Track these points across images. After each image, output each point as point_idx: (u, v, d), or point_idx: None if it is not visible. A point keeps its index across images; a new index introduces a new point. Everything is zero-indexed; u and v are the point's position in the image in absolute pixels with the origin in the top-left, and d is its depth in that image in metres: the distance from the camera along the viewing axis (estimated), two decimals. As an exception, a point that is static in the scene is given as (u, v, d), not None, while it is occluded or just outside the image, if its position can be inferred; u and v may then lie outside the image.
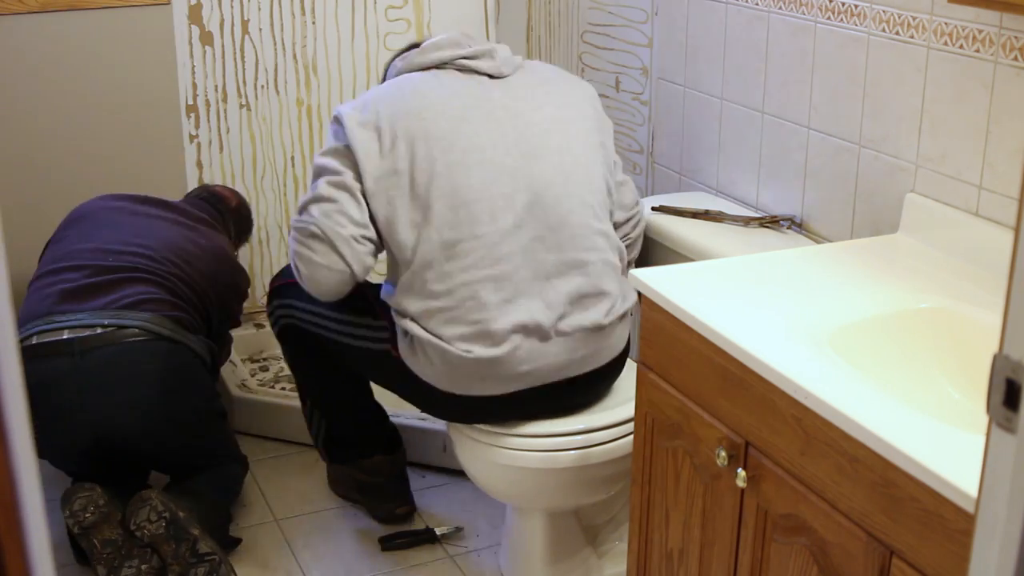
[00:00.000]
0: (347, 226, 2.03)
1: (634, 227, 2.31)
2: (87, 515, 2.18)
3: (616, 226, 2.22)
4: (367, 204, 2.04)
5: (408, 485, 2.57)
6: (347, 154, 2.04)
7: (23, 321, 2.33)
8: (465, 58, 2.14)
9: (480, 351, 2.01)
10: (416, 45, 2.25)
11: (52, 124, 2.97)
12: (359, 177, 2.03)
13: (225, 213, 2.85)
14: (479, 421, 2.12)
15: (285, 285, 2.35)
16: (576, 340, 2.06)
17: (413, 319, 2.05)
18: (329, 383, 2.42)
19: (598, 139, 2.18)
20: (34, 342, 2.26)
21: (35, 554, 0.67)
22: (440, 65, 2.15)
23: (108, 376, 2.25)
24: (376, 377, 2.31)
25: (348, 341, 2.24)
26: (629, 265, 2.29)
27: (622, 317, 2.13)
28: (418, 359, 2.07)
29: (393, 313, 2.11)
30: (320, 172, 2.07)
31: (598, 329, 2.07)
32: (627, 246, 2.28)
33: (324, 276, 2.05)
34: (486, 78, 2.14)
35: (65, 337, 2.25)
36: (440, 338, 2.02)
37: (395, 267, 2.09)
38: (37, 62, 2.91)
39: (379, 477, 2.52)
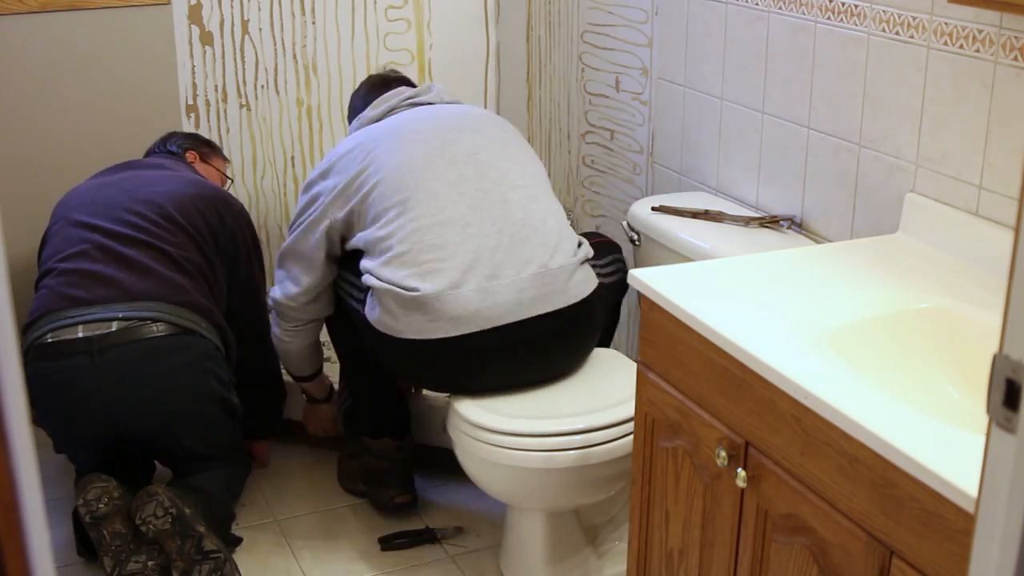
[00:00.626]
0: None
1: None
2: (100, 506, 2.20)
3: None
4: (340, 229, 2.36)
5: (412, 475, 2.58)
6: (319, 223, 2.36)
7: (35, 317, 2.33)
8: (409, 99, 2.47)
9: (426, 287, 2.14)
10: (374, 81, 2.64)
11: (52, 124, 2.97)
12: (332, 223, 2.35)
13: (182, 144, 2.87)
14: (452, 381, 2.21)
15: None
16: (524, 281, 2.17)
17: (372, 273, 2.23)
18: (356, 352, 2.50)
19: (522, 141, 2.46)
20: (49, 340, 2.27)
21: (35, 554, 0.67)
22: (390, 111, 2.47)
23: (126, 373, 2.27)
24: (365, 339, 2.37)
25: (346, 299, 2.40)
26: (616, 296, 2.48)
27: (576, 267, 2.23)
28: (375, 311, 2.21)
29: (363, 271, 2.27)
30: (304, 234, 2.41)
31: (545, 271, 2.18)
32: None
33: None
34: (431, 105, 2.47)
35: (81, 335, 2.26)
36: (390, 282, 2.17)
37: (367, 247, 2.29)
38: (37, 62, 2.91)
39: (384, 461, 2.54)
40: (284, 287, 2.44)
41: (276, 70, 3.14)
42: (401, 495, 2.55)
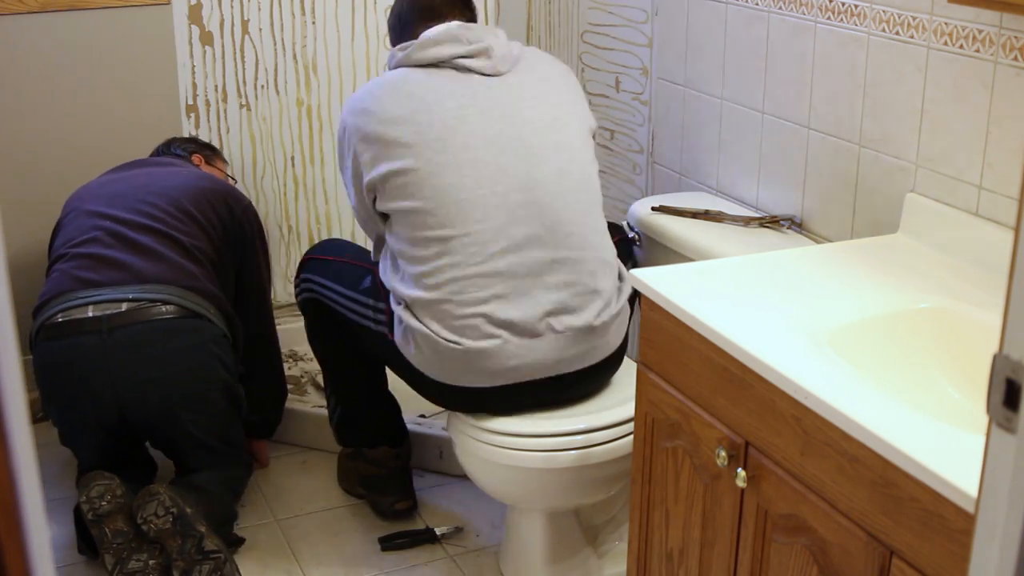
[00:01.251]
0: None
1: None
2: (103, 503, 2.20)
3: None
4: (377, 200, 2.15)
5: (411, 481, 2.58)
6: (354, 167, 2.17)
7: (46, 298, 2.35)
8: (462, 57, 2.14)
9: (469, 344, 2.05)
10: (415, 21, 2.24)
11: (52, 124, 2.97)
12: (366, 186, 2.15)
13: (186, 148, 2.89)
14: (473, 410, 2.14)
15: (312, 260, 2.48)
16: (567, 339, 2.08)
17: (407, 306, 2.11)
18: (344, 362, 2.48)
19: (588, 127, 2.23)
20: (59, 320, 2.29)
21: (35, 554, 0.67)
22: (437, 63, 2.15)
23: (135, 354, 2.28)
24: (378, 356, 2.35)
25: (354, 318, 2.32)
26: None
27: (616, 315, 2.14)
28: (410, 347, 2.12)
29: (391, 298, 2.18)
30: (356, 193, 2.21)
31: (589, 329, 2.09)
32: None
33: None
34: (483, 77, 2.15)
35: (90, 315, 2.28)
36: (430, 329, 2.07)
37: (394, 253, 2.16)
38: (37, 62, 2.91)
39: (382, 469, 2.54)
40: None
41: (276, 70, 3.15)
42: (401, 502, 2.55)
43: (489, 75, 2.15)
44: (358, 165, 2.14)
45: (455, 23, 2.18)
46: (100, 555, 2.23)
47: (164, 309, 2.30)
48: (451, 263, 2.05)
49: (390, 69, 2.22)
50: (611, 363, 2.19)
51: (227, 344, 2.41)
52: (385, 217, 2.17)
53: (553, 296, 2.07)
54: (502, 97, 2.14)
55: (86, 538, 2.34)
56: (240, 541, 2.46)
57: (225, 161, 3.01)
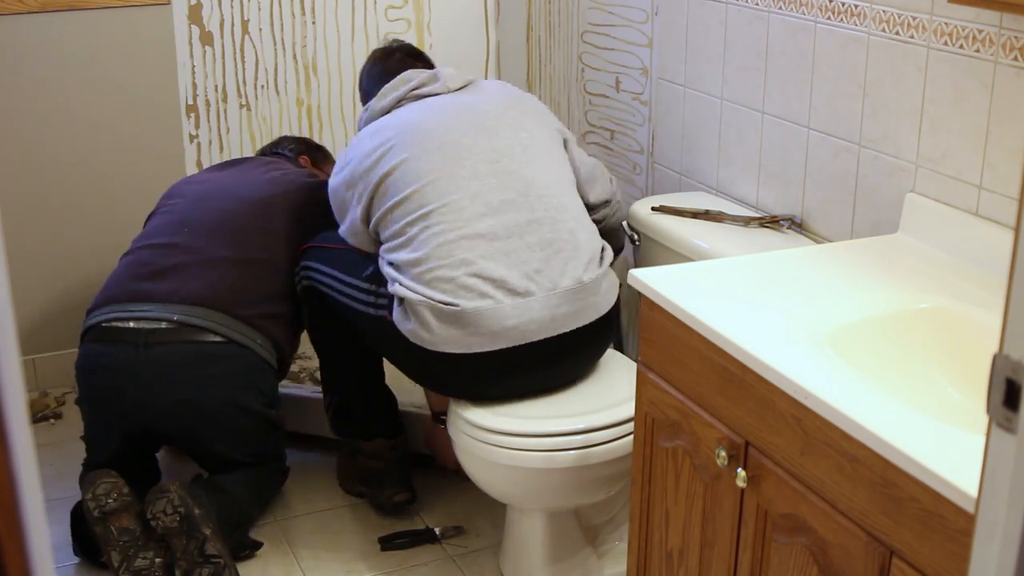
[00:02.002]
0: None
1: (612, 214, 2.47)
2: (110, 501, 2.21)
3: (591, 209, 2.37)
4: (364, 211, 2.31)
5: (408, 473, 2.58)
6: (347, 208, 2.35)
7: (97, 303, 2.39)
8: (415, 89, 2.38)
9: (465, 303, 2.11)
10: (380, 56, 2.55)
11: (52, 124, 2.97)
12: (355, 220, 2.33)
13: (294, 149, 2.88)
14: (473, 390, 2.17)
15: (311, 248, 2.51)
16: (558, 296, 2.14)
17: (402, 285, 2.17)
18: (343, 353, 2.50)
19: (550, 125, 2.40)
20: (103, 325, 2.34)
21: (35, 554, 0.67)
22: (398, 103, 2.38)
23: (168, 372, 2.31)
24: (377, 344, 2.37)
25: (352, 304, 2.35)
26: (616, 253, 2.42)
27: (604, 275, 2.22)
28: (409, 322, 2.16)
29: (388, 279, 2.22)
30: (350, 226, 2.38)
31: (580, 287, 2.16)
32: (604, 232, 2.38)
33: None
34: (438, 96, 2.38)
35: (131, 326, 2.31)
36: (426, 296, 2.13)
37: (382, 242, 2.27)
38: (37, 62, 2.91)
39: (379, 461, 2.55)
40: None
41: (276, 70, 3.15)
42: (399, 494, 2.55)
43: (443, 93, 2.38)
44: (349, 210, 2.32)
45: (403, 73, 2.43)
46: (105, 553, 2.22)
47: (206, 336, 2.33)
48: (434, 232, 2.16)
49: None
50: (604, 327, 2.24)
51: (269, 372, 2.43)
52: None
53: (537, 254, 2.16)
54: (459, 100, 2.37)
55: (82, 541, 2.33)
56: (257, 545, 2.45)
57: (334, 162, 2.98)
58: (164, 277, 2.38)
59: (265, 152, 2.89)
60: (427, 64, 2.54)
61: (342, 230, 2.37)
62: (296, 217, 2.55)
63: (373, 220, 2.28)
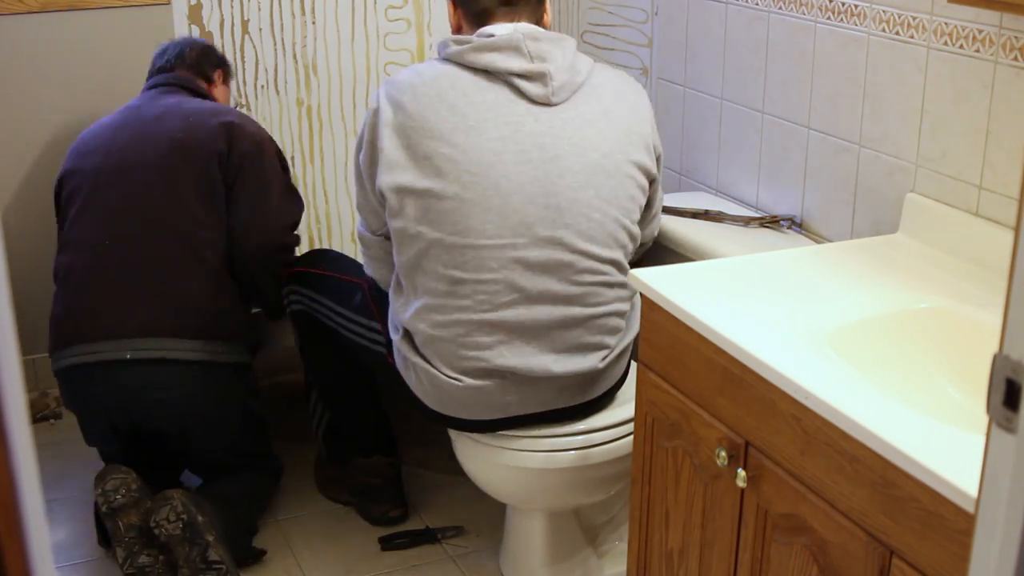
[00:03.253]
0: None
1: (644, 248, 2.30)
2: (118, 496, 2.21)
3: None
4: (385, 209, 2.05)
5: (403, 488, 2.57)
6: (372, 152, 2.02)
7: (56, 345, 2.34)
8: (517, 75, 1.98)
9: (469, 381, 2.02)
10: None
11: (52, 124, 2.97)
12: (376, 176, 2.01)
13: (193, 68, 2.65)
14: (469, 431, 2.14)
15: (301, 272, 2.44)
16: (569, 379, 2.05)
17: (408, 337, 2.07)
18: (337, 373, 2.47)
19: (637, 186, 2.07)
20: (76, 363, 2.31)
21: (35, 554, 0.67)
22: (489, 73, 2.00)
23: (147, 378, 2.29)
24: (378, 372, 2.34)
25: (350, 336, 2.30)
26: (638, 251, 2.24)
27: (619, 355, 2.12)
28: (410, 374, 2.10)
29: (389, 325, 2.14)
30: (357, 178, 2.11)
31: (592, 372, 2.07)
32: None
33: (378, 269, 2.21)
34: (532, 105, 1.99)
35: (106, 359, 2.29)
36: (431, 364, 2.04)
37: (398, 272, 2.08)
38: (37, 62, 2.91)
39: (376, 478, 2.53)
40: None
41: (276, 70, 3.15)
42: (395, 509, 2.54)
43: (541, 104, 1.99)
44: (374, 162, 2.02)
45: (522, 28, 2.00)
46: (112, 548, 2.24)
47: (170, 362, 2.30)
48: (459, 306, 1.99)
49: (439, 57, 2.06)
50: (611, 392, 2.17)
51: (238, 369, 2.41)
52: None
53: (559, 351, 2.03)
54: (547, 137, 1.98)
55: (104, 531, 2.35)
56: (261, 553, 2.45)
57: (230, 73, 2.79)
58: (110, 307, 2.30)
59: (159, 76, 2.61)
60: (542, 12, 2.09)
61: (361, 192, 2.09)
62: (205, 189, 2.38)
63: (398, 231, 2.02)
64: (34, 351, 3.05)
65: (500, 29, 2.01)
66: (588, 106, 2.03)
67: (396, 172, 1.98)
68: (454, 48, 2.02)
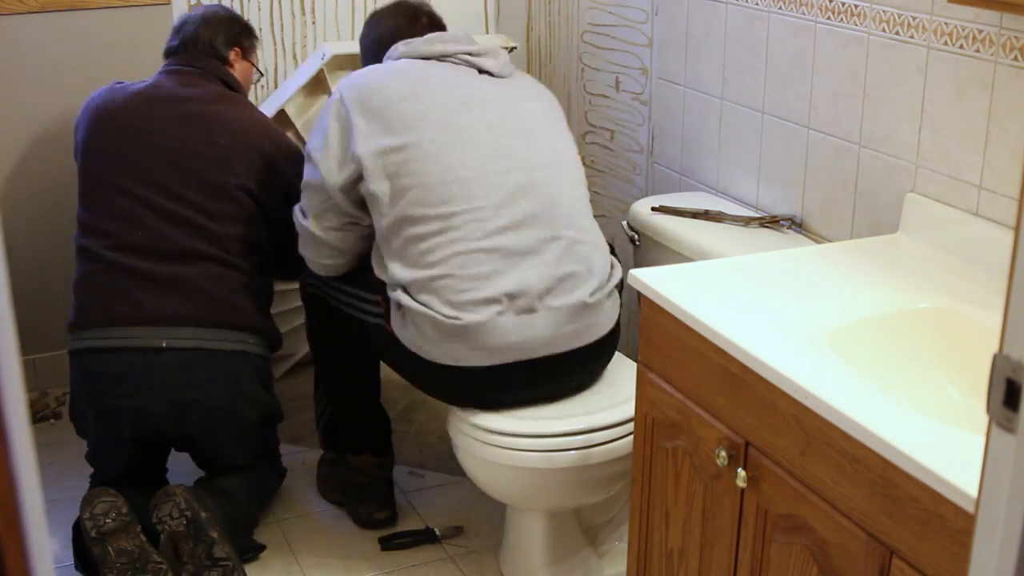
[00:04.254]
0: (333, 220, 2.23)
1: None
2: (108, 520, 2.17)
3: None
4: (364, 179, 2.13)
5: (392, 492, 2.57)
6: (340, 137, 2.15)
7: (79, 326, 2.33)
8: (469, 54, 2.25)
9: (468, 317, 2.06)
10: (406, 14, 2.36)
11: (52, 124, 2.97)
12: (351, 158, 2.12)
13: (217, 51, 2.58)
14: (474, 400, 2.15)
15: None
16: (562, 315, 2.10)
17: (404, 289, 2.11)
18: (343, 364, 2.47)
19: (573, 140, 2.33)
20: (99, 345, 2.30)
21: (35, 554, 0.67)
22: (442, 57, 2.25)
23: (178, 375, 2.29)
24: (378, 350, 2.35)
25: (351, 312, 2.33)
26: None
27: (609, 295, 2.17)
28: (408, 330, 2.12)
29: (387, 286, 2.17)
30: (308, 188, 2.22)
31: (583, 307, 2.11)
32: None
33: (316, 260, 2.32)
34: (486, 75, 2.25)
35: (132, 344, 2.28)
36: (429, 307, 2.08)
37: (387, 235, 2.13)
38: (37, 62, 2.91)
39: (364, 478, 2.53)
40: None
41: (276, 70, 3.15)
42: (380, 511, 2.54)
43: (495, 75, 2.26)
44: (346, 136, 2.13)
45: (460, 31, 2.29)
46: (102, 574, 2.18)
47: (200, 349, 2.31)
48: (452, 239, 2.08)
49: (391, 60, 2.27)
50: (604, 347, 2.20)
51: (265, 361, 2.42)
52: (361, 204, 2.17)
53: (552, 271, 2.10)
54: (505, 91, 2.25)
55: (82, 557, 2.28)
56: (261, 548, 2.45)
57: (255, 45, 2.69)
58: (140, 297, 2.31)
59: (177, 57, 2.55)
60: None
61: (311, 169, 2.18)
62: (254, 199, 2.41)
63: (372, 183, 2.11)
64: (34, 351, 3.05)
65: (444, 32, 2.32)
66: (522, 81, 2.34)
67: (371, 139, 2.12)
68: (402, 48, 2.27)
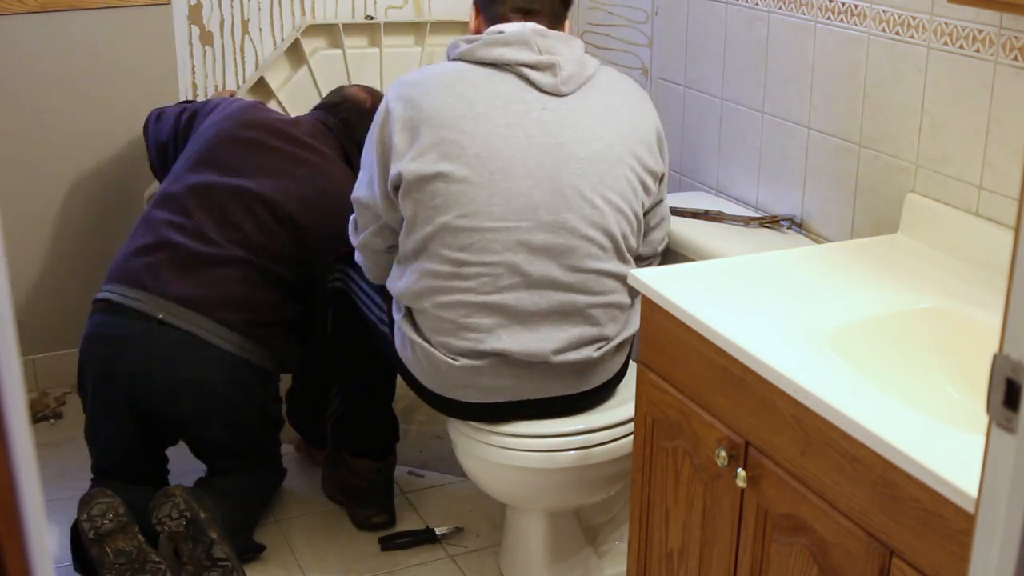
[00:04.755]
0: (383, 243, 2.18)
1: (655, 260, 2.29)
2: (105, 521, 2.17)
3: (638, 259, 2.19)
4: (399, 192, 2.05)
5: (392, 496, 2.56)
6: (383, 150, 2.06)
7: (111, 278, 2.36)
8: (526, 66, 2.02)
9: (465, 361, 2.03)
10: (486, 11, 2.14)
11: (52, 124, 2.97)
12: (388, 173, 2.05)
13: (352, 124, 2.69)
14: (466, 419, 2.14)
15: (350, 253, 2.36)
16: (563, 369, 2.06)
17: (409, 316, 2.10)
18: (360, 364, 2.44)
19: (638, 180, 2.09)
20: (116, 300, 2.32)
21: (35, 554, 0.67)
22: (498, 65, 2.04)
23: (181, 352, 2.29)
24: (387, 354, 2.33)
25: (367, 312, 2.31)
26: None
27: (617, 348, 2.12)
28: (408, 352, 2.11)
29: (393, 304, 2.16)
30: (359, 204, 2.16)
31: (587, 361, 2.07)
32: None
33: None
34: (541, 94, 2.03)
35: (148, 306, 2.30)
36: (429, 343, 2.06)
37: (404, 258, 2.10)
38: (37, 62, 2.91)
39: (363, 481, 2.52)
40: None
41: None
42: (378, 515, 2.53)
43: (549, 93, 2.03)
44: (386, 150, 2.04)
45: (530, 26, 2.06)
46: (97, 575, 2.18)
47: (216, 341, 2.32)
48: (461, 288, 2.01)
49: (448, 59, 2.11)
50: (609, 386, 2.17)
51: (271, 382, 2.44)
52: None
53: (560, 336, 2.03)
54: (554, 124, 2.02)
55: (81, 558, 2.28)
56: (260, 548, 2.44)
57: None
58: (182, 275, 2.34)
59: (321, 118, 2.69)
60: (562, 16, 2.14)
61: (363, 181, 2.12)
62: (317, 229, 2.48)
63: (408, 217, 2.03)
64: (34, 351, 3.05)
65: (510, 27, 2.07)
66: (593, 99, 2.07)
67: (406, 161, 2.01)
68: (464, 47, 2.07)
